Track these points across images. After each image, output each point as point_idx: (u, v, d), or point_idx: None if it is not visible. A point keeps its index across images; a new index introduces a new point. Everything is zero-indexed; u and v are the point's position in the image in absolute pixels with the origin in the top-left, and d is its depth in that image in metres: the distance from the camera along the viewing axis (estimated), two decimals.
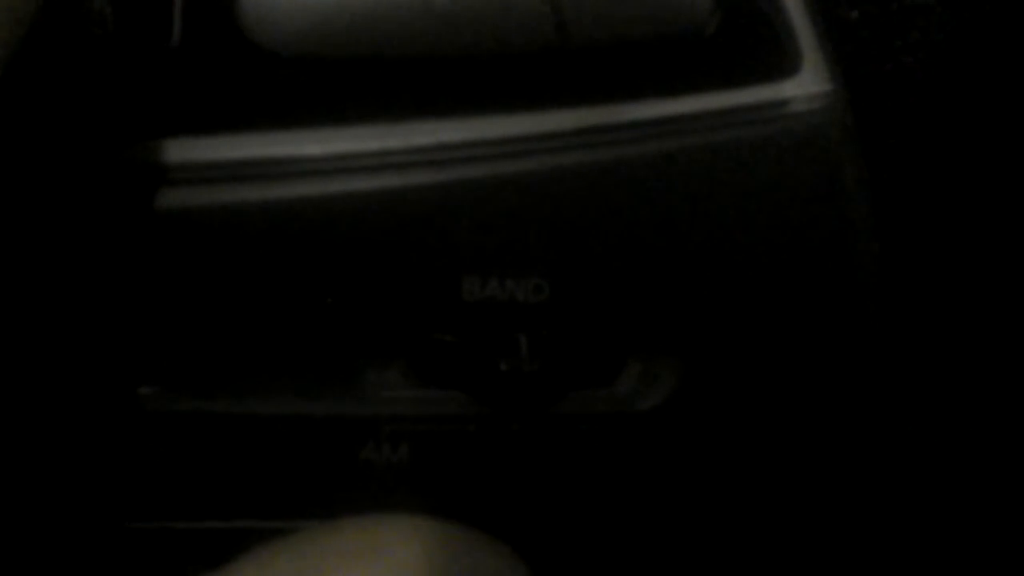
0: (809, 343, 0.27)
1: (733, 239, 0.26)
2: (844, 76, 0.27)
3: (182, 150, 0.25)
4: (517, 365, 0.27)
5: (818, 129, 0.26)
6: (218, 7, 0.25)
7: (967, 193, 0.28)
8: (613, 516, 0.29)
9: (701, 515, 0.29)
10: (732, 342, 0.27)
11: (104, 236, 0.25)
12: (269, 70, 0.25)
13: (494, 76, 0.26)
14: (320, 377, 0.27)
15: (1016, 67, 0.28)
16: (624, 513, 0.29)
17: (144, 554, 0.28)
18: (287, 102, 0.25)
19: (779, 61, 0.26)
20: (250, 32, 0.25)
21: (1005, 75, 0.28)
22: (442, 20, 0.25)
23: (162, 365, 0.27)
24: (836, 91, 0.26)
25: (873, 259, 0.27)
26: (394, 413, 0.27)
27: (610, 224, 0.26)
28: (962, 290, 0.29)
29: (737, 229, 0.26)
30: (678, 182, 0.26)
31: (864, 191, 0.27)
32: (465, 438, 0.27)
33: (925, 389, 0.29)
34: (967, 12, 0.28)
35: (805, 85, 0.26)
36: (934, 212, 0.28)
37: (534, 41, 0.25)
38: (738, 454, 0.28)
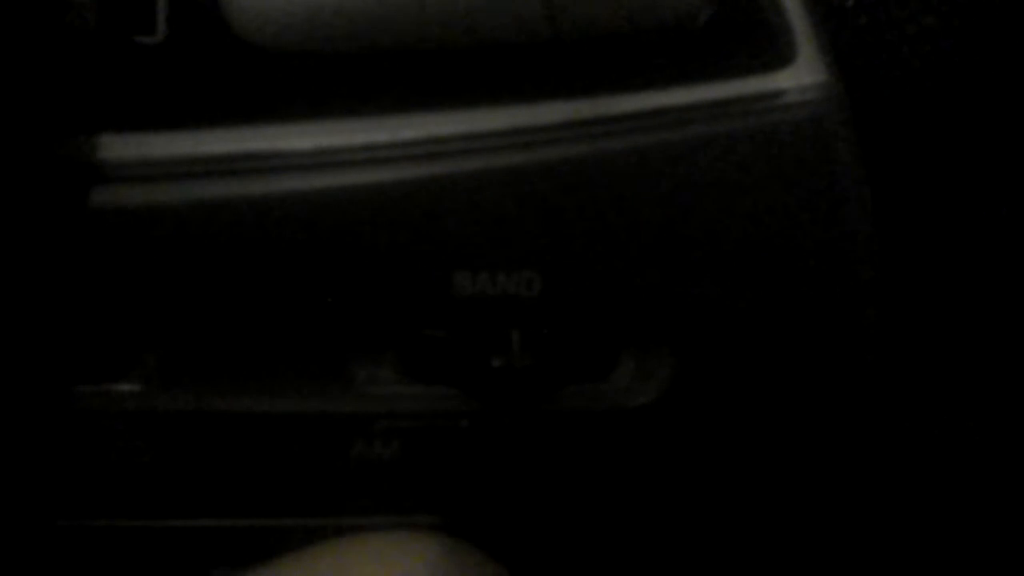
0: (805, 338, 0.27)
1: (727, 232, 0.26)
2: (839, 66, 0.26)
3: (166, 145, 0.25)
4: (509, 360, 0.26)
5: (813, 120, 0.26)
6: (203, 1, 0.25)
7: (966, 186, 0.28)
8: (608, 513, 0.29)
9: (697, 512, 0.29)
10: (727, 337, 0.27)
11: (86, 234, 0.25)
12: (255, 64, 0.25)
13: (483, 69, 0.25)
14: (310, 374, 0.27)
15: (1016, 58, 0.28)
16: (619, 509, 0.29)
17: (137, 554, 0.28)
18: (273, 96, 0.25)
19: (773, 51, 0.26)
20: (236, 26, 0.25)
21: (1004, 66, 0.28)
22: (429, 13, 0.25)
23: (149, 363, 0.27)
24: (831, 81, 0.26)
25: (870, 252, 0.27)
26: (385, 409, 0.27)
27: (602, 217, 0.26)
28: (961, 285, 0.28)
29: (731, 222, 0.26)
30: (670, 175, 0.26)
31: (861, 183, 0.26)
32: (457, 434, 0.27)
33: (924, 385, 0.29)
34: (966, 2, 0.28)
35: (799, 76, 0.26)
36: (932, 205, 0.28)
37: (523, 33, 0.25)
38: (735, 450, 0.28)
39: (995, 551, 0.30)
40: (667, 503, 0.28)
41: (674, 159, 0.26)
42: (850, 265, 0.27)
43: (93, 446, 0.27)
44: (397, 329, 0.26)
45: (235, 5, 0.24)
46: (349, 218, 0.25)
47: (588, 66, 0.26)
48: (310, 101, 0.25)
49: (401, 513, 0.28)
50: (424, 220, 0.25)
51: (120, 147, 0.25)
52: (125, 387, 0.27)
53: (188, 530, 0.28)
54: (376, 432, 0.27)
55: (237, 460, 0.27)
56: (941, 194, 0.28)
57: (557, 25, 0.25)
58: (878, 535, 0.30)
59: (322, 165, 0.25)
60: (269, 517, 0.27)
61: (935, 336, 0.29)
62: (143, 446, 0.27)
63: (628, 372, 0.28)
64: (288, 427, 0.27)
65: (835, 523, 0.29)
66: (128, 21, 0.25)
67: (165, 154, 0.25)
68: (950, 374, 0.29)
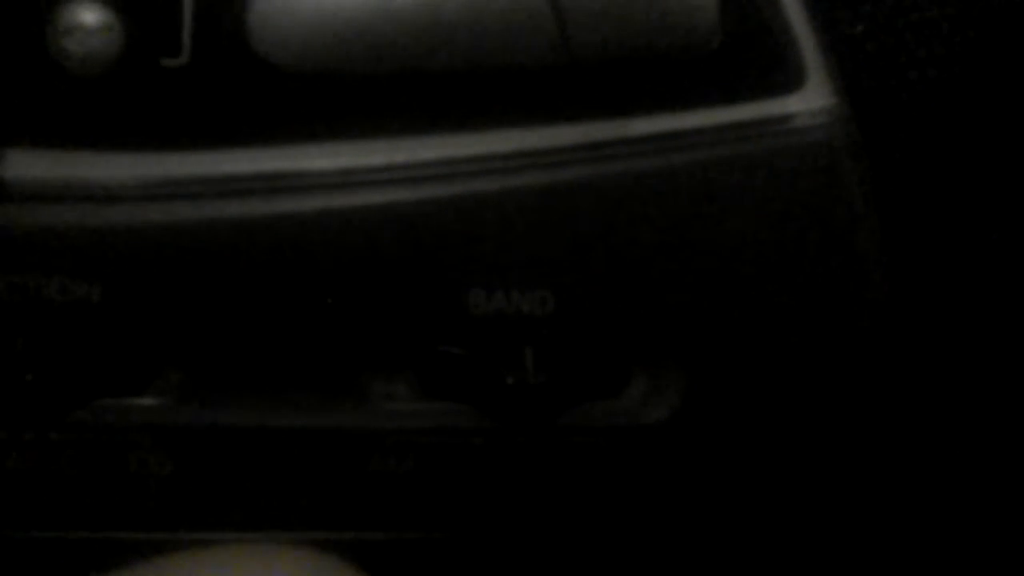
0: (815, 358, 0.27)
1: (737, 253, 0.26)
2: (848, 91, 0.27)
3: (190, 165, 0.25)
4: (523, 378, 0.27)
5: (822, 144, 0.26)
6: (227, 24, 0.25)
7: (973, 208, 0.28)
8: (620, 529, 0.29)
9: (710, 528, 0.29)
10: (739, 355, 0.27)
11: (111, 251, 0.25)
12: (278, 86, 0.25)
13: (499, 91, 0.26)
14: (328, 390, 0.27)
15: (1023, 82, 0.28)
16: (632, 526, 0.29)
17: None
18: (296, 117, 0.26)
19: (782, 76, 0.26)
20: (259, 48, 0.25)
21: (1012, 90, 0.28)
22: (449, 36, 0.25)
23: (170, 378, 0.27)
24: (840, 106, 0.26)
25: (879, 274, 0.27)
26: (400, 426, 0.28)
27: (615, 238, 0.26)
28: (969, 306, 0.29)
29: (741, 243, 0.26)
30: (681, 197, 0.26)
31: (869, 206, 0.27)
32: (471, 450, 0.28)
33: (933, 403, 0.29)
34: (973, 27, 0.28)
35: (809, 100, 0.26)
36: (941, 228, 0.28)
37: (539, 57, 0.25)
38: (747, 466, 0.28)
39: (996, 551, 0.30)
40: (680, 520, 0.29)
41: (685, 181, 0.26)
42: (859, 287, 0.27)
43: (114, 460, 0.27)
44: (413, 346, 0.27)
45: (259, 28, 0.25)
46: (368, 237, 0.26)
47: (602, 89, 0.26)
48: (331, 122, 0.26)
49: (416, 528, 0.28)
50: (440, 239, 0.26)
51: (145, 167, 0.26)
52: (146, 402, 0.27)
53: (206, 543, 0.28)
54: (392, 448, 0.28)
55: (255, 474, 0.28)
56: (950, 217, 0.28)
57: (572, 49, 0.25)
58: (891, 550, 0.30)
59: (342, 185, 0.26)
60: (287, 530, 0.28)
61: (943, 356, 0.29)
62: (164, 460, 0.27)
63: (641, 389, 0.28)
64: (306, 442, 0.27)
65: (848, 538, 0.29)
66: (154, 44, 0.25)
67: (189, 173, 0.26)
68: (958, 395, 0.29)
